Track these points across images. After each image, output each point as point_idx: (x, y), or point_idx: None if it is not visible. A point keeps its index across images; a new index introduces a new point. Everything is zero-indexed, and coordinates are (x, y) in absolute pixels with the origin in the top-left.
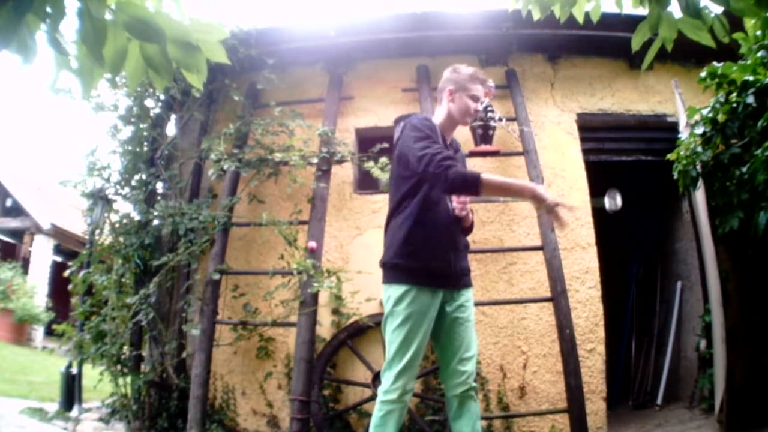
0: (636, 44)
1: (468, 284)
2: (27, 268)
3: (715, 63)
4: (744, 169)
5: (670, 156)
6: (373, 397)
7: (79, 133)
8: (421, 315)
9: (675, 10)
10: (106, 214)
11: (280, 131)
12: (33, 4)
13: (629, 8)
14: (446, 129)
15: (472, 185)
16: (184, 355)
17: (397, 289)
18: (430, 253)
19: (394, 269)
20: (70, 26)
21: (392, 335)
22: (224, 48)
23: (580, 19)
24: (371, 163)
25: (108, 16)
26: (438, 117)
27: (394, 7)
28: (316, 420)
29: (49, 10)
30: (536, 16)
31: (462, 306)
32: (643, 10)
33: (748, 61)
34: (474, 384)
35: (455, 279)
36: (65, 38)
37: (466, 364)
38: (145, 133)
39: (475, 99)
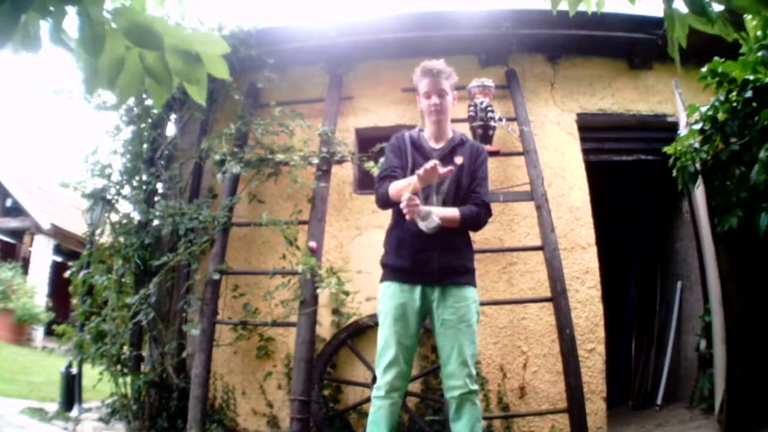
0: (672, 50)
1: (458, 282)
2: (27, 268)
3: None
4: (744, 168)
5: (668, 149)
6: None
7: (79, 133)
8: (396, 310)
9: (680, 7)
10: (106, 215)
11: (280, 131)
12: (33, 3)
13: (639, 6)
14: (433, 134)
15: (383, 196)
16: (184, 355)
17: (381, 288)
18: (406, 251)
19: (382, 269)
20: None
21: (379, 332)
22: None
23: (589, 10)
24: (371, 163)
25: (107, 19)
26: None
27: (394, 7)
28: (316, 420)
29: (51, 9)
30: (555, 7)
31: (450, 308)
32: (643, 9)
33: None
34: (473, 387)
35: (435, 275)
36: (69, 35)
37: (462, 366)
38: (145, 133)
39: (427, 95)
